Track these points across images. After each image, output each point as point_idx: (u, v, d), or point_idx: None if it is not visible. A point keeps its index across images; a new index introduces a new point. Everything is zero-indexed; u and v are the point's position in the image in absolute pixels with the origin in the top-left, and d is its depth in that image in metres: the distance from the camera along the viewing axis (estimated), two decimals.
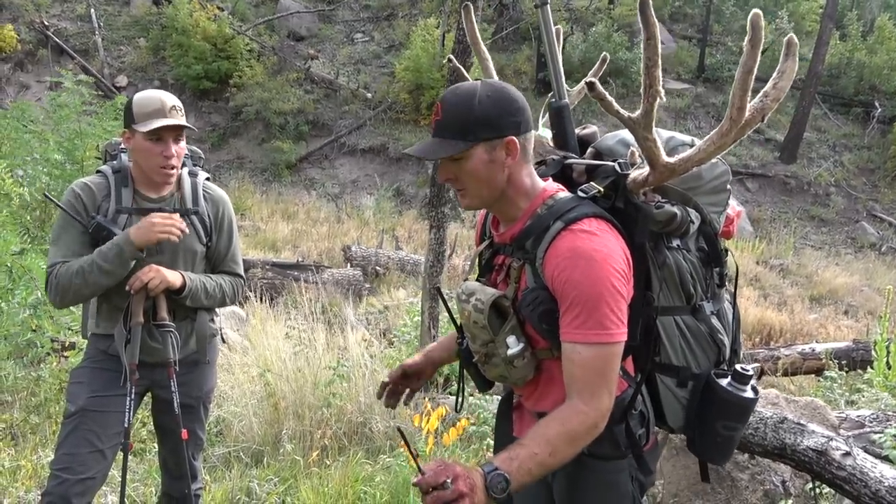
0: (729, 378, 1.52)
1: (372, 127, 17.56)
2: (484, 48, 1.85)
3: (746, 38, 1.25)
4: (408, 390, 1.85)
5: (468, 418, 2.90)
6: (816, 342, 6.39)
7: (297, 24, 20.27)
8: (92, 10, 18.68)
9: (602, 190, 1.45)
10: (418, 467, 1.28)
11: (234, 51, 17.70)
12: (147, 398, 2.34)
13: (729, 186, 1.65)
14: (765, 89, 1.30)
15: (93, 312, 2.20)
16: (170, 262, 2.15)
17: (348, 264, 10.43)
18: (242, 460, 3.23)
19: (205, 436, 2.45)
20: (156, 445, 2.62)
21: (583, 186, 1.48)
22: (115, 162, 2.22)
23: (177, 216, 2.11)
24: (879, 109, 16.69)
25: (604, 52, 2.06)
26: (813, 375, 5.55)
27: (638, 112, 1.37)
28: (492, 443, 2.72)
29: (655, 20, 1.28)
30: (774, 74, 1.30)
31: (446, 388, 4.04)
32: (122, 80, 17.98)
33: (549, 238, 1.40)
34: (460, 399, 1.80)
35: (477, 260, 1.64)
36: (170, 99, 2.11)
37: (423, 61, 16.88)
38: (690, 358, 1.54)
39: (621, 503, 1.52)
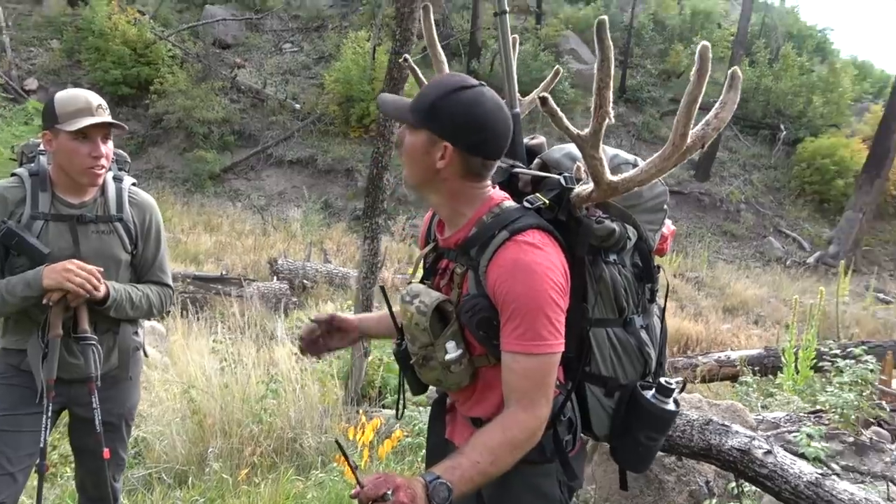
0: (653, 390, 1.56)
1: (300, 138, 17.30)
2: (440, 50, 1.85)
3: (694, 69, 1.28)
4: (327, 347, 1.83)
5: (403, 429, 2.88)
6: (731, 350, 6.71)
7: (222, 32, 19.79)
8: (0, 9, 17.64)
9: (547, 202, 1.48)
10: (357, 480, 1.26)
11: (156, 56, 17.10)
12: (63, 417, 2.20)
13: (666, 206, 1.71)
14: (707, 118, 1.35)
15: (6, 326, 2.05)
16: None
17: (275, 278, 10.20)
18: (164, 481, 3.08)
19: (126, 456, 2.32)
20: (68, 469, 2.46)
21: (528, 198, 1.50)
22: (32, 165, 2.08)
23: (96, 271, 1.98)
24: (784, 132, 17.83)
25: (556, 66, 2.10)
26: (728, 382, 5.81)
27: (587, 130, 1.40)
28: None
29: (611, 43, 1.31)
30: (717, 104, 1.35)
31: (380, 402, 3.99)
32: (31, 83, 17.02)
33: (494, 247, 1.41)
34: (401, 404, 1.79)
35: (421, 262, 1.63)
36: (95, 98, 2.01)
37: (353, 73, 16.81)
38: (619, 369, 1.57)
39: None
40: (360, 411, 3.20)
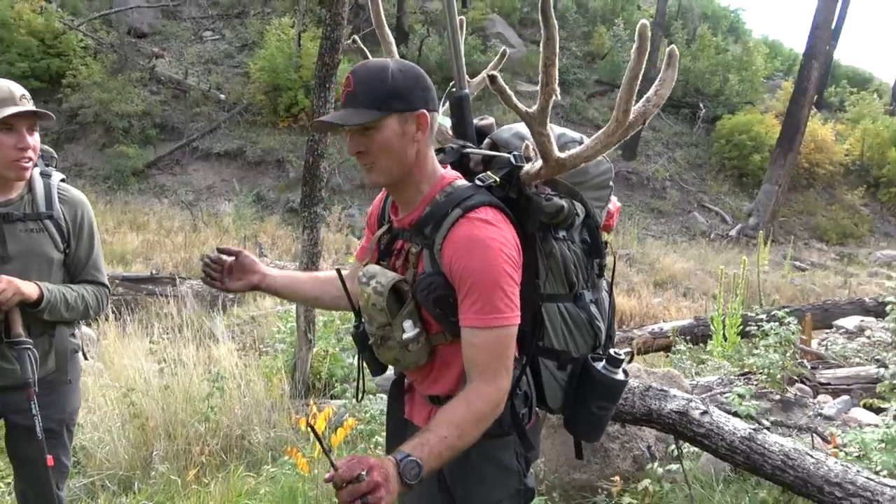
0: (604, 362, 1.63)
1: (227, 130, 16.80)
2: (388, 31, 1.84)
3: (634, 47, 1.33)
4: (224, 285, 1.74)
5: (355, 417, 2.89)
6: (663, 322, 6.99)
7: (137, 20, 18.92)
8: None
9: (498, 180, 1.51)
10: (331, 463, 1.26)
11: (66, 47, 16.21)
12: None
13: (611, 183, 1.77)
14: (647, 95, 1.41)
15: None
16: (22, 272, 1.94)
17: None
18: (109, 488, 2.98)
19: (69, 463, 2.24)
20: (8, 479, 2.35)
21: (480, 175, 1.53)
22: None
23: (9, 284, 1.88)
24: (703, 110, 18.56)
25: (503, 47, 2.12)
26: (663, 352, 6.07)
27: (534, 107, 1.44)
28: (380, 440, 2.73)
29: (555, 21, 1.34)
30: (657, 82, 1.41)
31: (327, 393, 3.98)
32: None
33: (448, 225, 1.44)
34: (361, 386, 1.80)
35: (378, 245, 1.64)
36: (17, 87, 1.93)
37: (279, 61, 16.42)
38: (570, 343, 1.63)
39: (508, 478, 1.59)
40: (311, 402, 3.18)
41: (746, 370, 3.45)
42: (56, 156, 2.21)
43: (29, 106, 1.92)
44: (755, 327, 3.91)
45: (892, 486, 1.98)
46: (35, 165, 2.04)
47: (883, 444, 2.32)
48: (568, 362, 1.62)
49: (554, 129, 1.60)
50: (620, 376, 1.62)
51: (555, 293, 1.60)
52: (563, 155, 1.49)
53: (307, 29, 17.57)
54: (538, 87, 1.42)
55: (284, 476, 2.69)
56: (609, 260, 1.77)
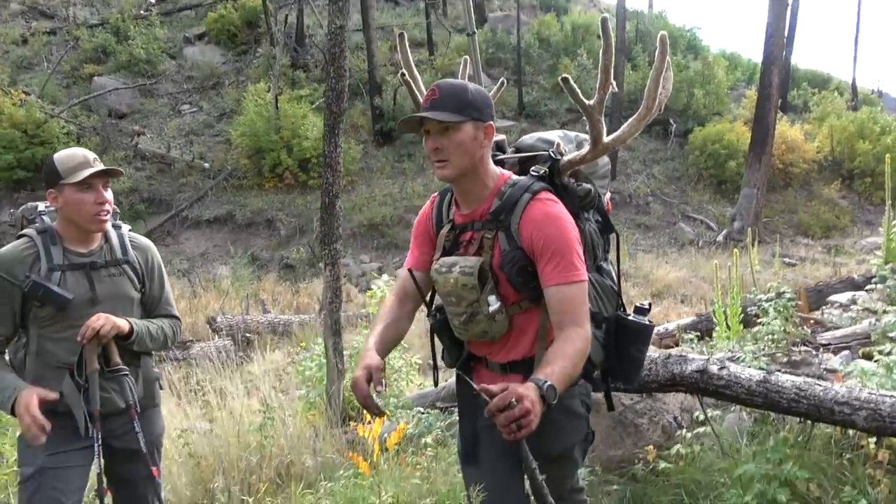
0: (633, 314, 1.92)
1: (214, 196, 17.11)
2: (415, 69, 2.22)
3: (658, 49, 1.79)
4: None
5: (407, 422, 3.08)
6: (668, 322, 7.22)
7: (116, 102, 19.38)
8: None
9: (546, 171, 1.86)
10: (485, 396, 1.48)
11: (50, 135, 16.54)
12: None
13: (609, 173, 2.13)
14: (659, 91, 1.84)
15: (31, 375, 2.15)
16: (110, 312, 2.17)
17: (216, 336, 10.05)
18: None
19: (161, 480, 2.42)
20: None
21: (533, 168, 1.86)
22: (37, 224, 2.23)
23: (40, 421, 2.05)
24: (674, 125, 19.16)
25: (501, 79, 2.47)
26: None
27: (593, 101, 1.85)
28: (428, 441, 2.93)
29: (612, 34, 1.77)
30: (664, 76, 1.81)
31: (361, 420, 4.14)
32: None
33: (521, 207, 1.76)
34: (436, 375, 2.07)
35: (442, 243, 1.91)
36: (89, 152, 2.20)
37: (258, 125, 16.85)
38: (601, 305, 1.93)
39: (578, 424, 1.86)
40: (357, 424, 3.37)
41: (744, 348, 3.68)
42: (119, 210, 2.46)
43: (100, 166, 2.18)
44: (756, 309, 4.15)
45: (891, 396, 2.26)
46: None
47: (882, 370, 2.61)
48: (602, 321, 1.90)
49: (569, 134, 1.98)
50: (648, 322, 1.90)
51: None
52: (609, 139, 1.83)
53: (283, 91, 18.08)
54: (597, 89, 1.81)
55: (342, 490, 2.87)
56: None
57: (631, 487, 2.82)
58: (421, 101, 1.94)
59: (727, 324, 5.36)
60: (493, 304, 1.77)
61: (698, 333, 5.67)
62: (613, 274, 2.04)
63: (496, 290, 1.78)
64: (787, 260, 14.03)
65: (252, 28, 22.04)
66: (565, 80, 1.81)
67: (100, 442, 2.09)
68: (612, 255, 2.07)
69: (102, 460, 2.10)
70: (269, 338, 9.95)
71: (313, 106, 17.99)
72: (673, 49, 21.70)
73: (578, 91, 1.83)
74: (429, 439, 2.93)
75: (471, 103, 1.76)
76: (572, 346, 1.66)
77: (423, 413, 3.22)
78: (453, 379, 3.60)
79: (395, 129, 18.43)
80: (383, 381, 1.97)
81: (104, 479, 2.08)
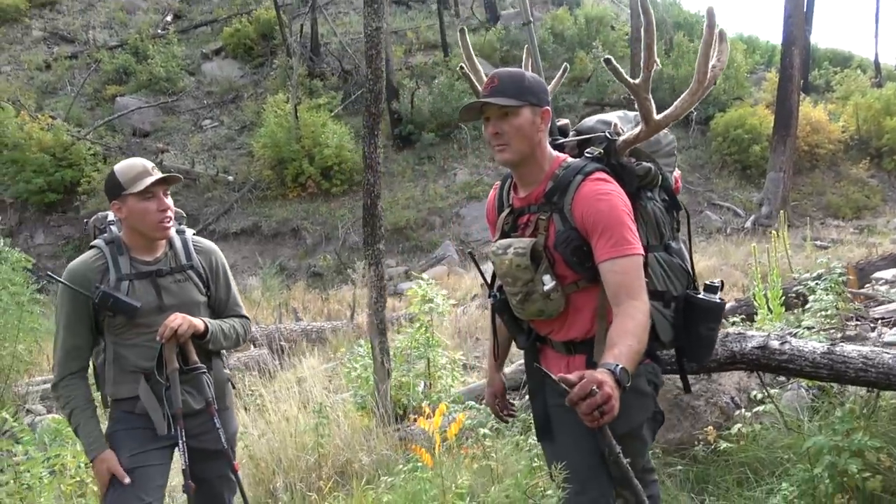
0: (703, 292, 1.93)
1: (240, 209, 17.33)
2: (476, 61, 2.25)
3: (705, 24, 1.79)
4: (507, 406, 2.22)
5: (464, 413, 3.11)
6: None
7: (139, 121, 19.73)
8: None
9: (602, 152, 1.89)
10: (564, 386, 1.50)
11: (77, 157, 16.91)
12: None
13: (676, 151, 2.14)
14: (712, 62, 1.85)
15: (110, 380, 2.22)
16: None
17: (251, 346, 10.19)
18: None
19: (240, 476, 2.48)
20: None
21: (587, 150, 1.89)
22: (105, 234, 2.31)
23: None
24: (695, 112, 18.96)
25: (564, 64, 2.50)
26: None
27: (639, 79, 1.86)
28: (485, 432, 2.96)
29: (652, 10, 1.78)
30: (718, 48, 1.82)
31: (411, 418, 4.18)
32: None
33: (574, 188, 1.81)
34: (496, 348, 2.11)
35: (501, 226, 1.96)
36: (147, 162, 2.25)
37: (279, 136, 17.03)
38: (670, 284, 1.94)
39: (645, 402, 1.87)
40: (412, 417, 3.41)
41: (801, 324, 3.64)
42: (185, 215, 2.53)
43: (160, 174, 2.24)
44: (802, 288, 4.11)
45: None
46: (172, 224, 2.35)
47: None
48: (671, 301, 1.91)
49: (628, 114, 1.99)
50: (718, 300, 1.91)
51: (650, 244, 1.91)
52: (660, 116, 1.85)
53: (301, 101, 18.25)
54: (641, 67, 1.84)
55: (402, 484, 2.90)
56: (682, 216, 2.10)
57: (693, 469, 2.82)
58: (480, 90, 1.98)
59: (769, 307, 5.32)
60: (548, 283, 1.81)
61: (742, 317, 5.62)
62: (685, 252, 2.04)
63: (552, 270, 1.82)
64: (818, 243, 13.81)
65: (267, 40, 22.29)
66: (608, 60, 1.84)
67: (184, 439, 2.14)
68: (683, 235, 2.09)
69: (185, 457, 2.16)
70: (303, 345, 10.07)
71: (332, 114, 18.14)
72: (689, 36, 21.53)
73: (623, 72, 1.86)
74: (486, 430, 2.96)
75: (528, 89, 1.81)
76: (632, 321, 1.68)
77: (480, 405, 3.24)
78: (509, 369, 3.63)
79: (414, 133, 18.53)
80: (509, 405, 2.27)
81: (189, 475, 2.13)
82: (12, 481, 3.07)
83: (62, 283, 2.17)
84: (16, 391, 6.44)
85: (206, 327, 2.24)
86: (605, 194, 1.77)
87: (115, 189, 2.21)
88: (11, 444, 3.28)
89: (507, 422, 2.23)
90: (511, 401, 2.23)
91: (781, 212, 8.26)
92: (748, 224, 15.39)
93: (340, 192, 17.11)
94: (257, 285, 14.45)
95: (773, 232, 5.85)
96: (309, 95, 19.33)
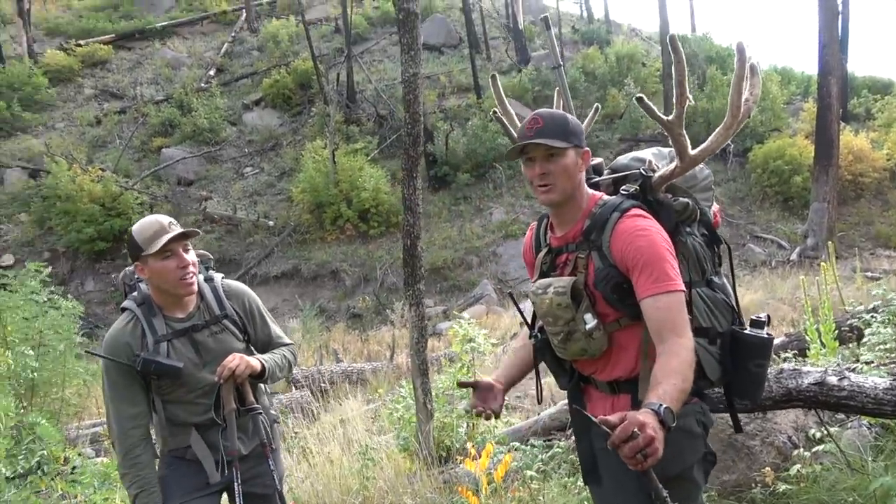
0: (749, 327, 1.88)
1: (280, 253, 17.64)
2: (508, 106, 2.31)
3: (736, 59, 1.79)
4: (490, 407, 2.04)
5: (510, 455, 3.06)
6: None
7: (183, 171, 20.41)
8: None
9: (637, 188, 1.88)
10: (605, 429, 1.45)
11: (125, 206, 17.49)
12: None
13: (713, 186, 2.11)
14: (745, 95, 1.84)
15: (162, 435, 2.24)
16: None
17: (293, 388, 10.24)
18: None
19: None
20: None
21: (623, 187, 1.88)
22: (136, 294, 2.28)
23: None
24: (732, 145, 18.78)
25: (595, 104, 2.52)
26: None
27: (672, 115, 1.85)
28: (532, 474, 2.90)
29: (681, 49, 1.79)
30: (750, 82, 1.82)
31: (455, 460, 4.13)
32: (8, 259, 17.20)
33: (611, 225, 1.79)
34: (540, 390, 2.07)
35: (539, 266, 1.95)
36: (164, 218, 2.23)
37: (318, 181, 17.40)
38: (714, 320, 1.89)
39: (695, 443, 1.81)
40: (471, 444, 3.36)
41: (858, 355, 3.51)
42: (212, 257, 2.50)
43: (177, 229, 2.20)
44: (856, 321, 3.97)
45: None
46: (198, 274, 2.31)
47: None
48: (717, 337, 1.87)
49: (661, 150, 1.98)
50: (766, 335, 1.86)
51: (692, 280, 1.87)
52: (695, 151, 1.84)
53: (338, 146, 18.66)
54: (674, 104, 1.81)
55: None
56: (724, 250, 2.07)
57: None
58: (514, 133, 2.00)
59: (822, 342, 5.13)
60: (590, 321, 1.78)
61: (794, 352, 5.44)
62: (728, 287, 2.00)
63: (592, 308, 1.80)
64: (868, 274, 13.36)
65: (305, 89, 22.99)
66: (640, 99, 1.85)
67: (239, 481, 2.13)
68: (726, 269, 2.05)
69: (240, 499, 2.14)
70: (344, 386, 10.08)
71: (368, 158, 18.49)
72: (722, 69, 21.47)
73: (656, 109, 1.86)
74: (533, 472, 2.90)
75: (572, 131, 1.84)
76: (677, 358, 1.63)
77: (524, 447, 3.19)
78: (545, 412, 3.56)
79: (450, 174, 18.73)
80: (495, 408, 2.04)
81: None
82: None
83: (104, 357, 2.15)
84: (66, 434, 6.58)
85: (263, 365, 2.23)
86: (644, 230, 1.75)
87: (135, 251, 2.18)
88: (72, 486, 3.34)
89: (479, 416, 2.01)
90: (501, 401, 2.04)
91: (829, 242, 8.04)
92: (794, 256, 15.02)
93: (378, 234, 17.31)
94: (298, 327, 14.59)
95: (822, 263, 5.67)
96: (346, 141, 19.78)
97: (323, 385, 10.19)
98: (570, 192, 1.85)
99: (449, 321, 12.09)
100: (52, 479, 3.95)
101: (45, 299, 6.16)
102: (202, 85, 23.62)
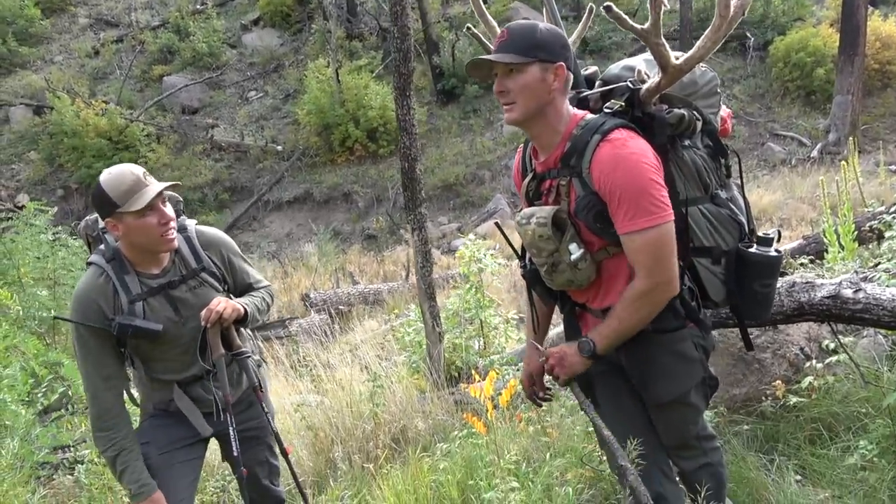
0: (755, 245, 1.76)
1: (291, 177, 17.52)
2: (489, 17, 2.14)
3: None
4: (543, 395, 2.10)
5: (516, 377, 3.05)
6: None
7: (187, 99, 20.03)
8: None
9: (623, 104, 1.70)
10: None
11: (132, 139, 17.36)
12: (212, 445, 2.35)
13: (718, 90, 1.93)
14: None
15: (143, 392, 2.21)
16: (199, 326, 2.10)
17: (312, 311, 10.39)
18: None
19: (278, 462, 2.46)
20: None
21: (606, 105, 1.71)
22: (103, 247, 2.09)
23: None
24: (752, 39, 17.90)
25: (590, 4, 2.30)
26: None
27: (647, 24, 1.63)
28: None
29: None
30: None
31: (465, 380, 4.16)
32: (23, 199, 17.27)
33: (591, 150, 1.64)
34: (536, 319, 2.01)
35: (525, 193, 1.83)
36: (137, 168, 2.01)
37: (323, 101, 17.02)
38: (718, 238, 1.77)
39: (692, 368, 1.74)
40: (465, 384, 3.37)
41: (878, 261, 3.39)
42: (181, 199, 2.28)
43: (154, 182, 2.01)
44: (877, 223, 3.81)
45: None
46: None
47: None
48: (721, 256, 1.76)
49: (646, 57, 1.79)
50: (774, 253, 1.74)
51: (693, 196, 1.75)
52: (679, 61, 1.65)
53: (342, 64, 18.11)
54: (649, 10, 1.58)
55: (459, 449, 2.87)
56: (734, 160, 1.91)
57: (761, 426, 2.67)
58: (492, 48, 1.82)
59: (840, 243, 4.99)
60: (575, 252, 1.70)
61: (810, 257, 5.31)
62: (738, 200, 1.87)
63: (578, 237, 1.71)
64: (893, 168, 12.97)
65: (304, 5, 22.13)
66: (608, 8, 1.61)
67: (234, 426, 2.09)
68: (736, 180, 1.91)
69: (236, 444, 2.10)
70: (361, 308, 10.20)
71: (373, 74, 17.95)
72: None
73: (628, 19, 1.64)
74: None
75: (539, 44, 1.64)
76: (621, 303, 1.68)
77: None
78: (553, 331, 3.52)
79: (458, 87, 18.17)
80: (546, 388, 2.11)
81: (241, 462, 2.10)
82: None
83: (73, 322, 1.99)
84: None
85: (246, 310, 2.14)
86: (623, 159, 1.60)
87: (108, 207, 1.94)
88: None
89: (540, 405, 2.11)
90: (548, 384, 2.05)
91: (851, 137, 7.72)
92: (815, 153, 14.58)
93: (388, 154, 17.05)
94: (313, 251, 14.68)
95: (844, 163, 5.44)
96: (349, 58, 19.17)
97: (341, 307, 10.33)
98: (534, 112, 1.68)
99: (463, 238, 12.05)
100: (76, 417, 4.04)
101: (53, 237, 6.17)
102: (198, 7, 22.82)
